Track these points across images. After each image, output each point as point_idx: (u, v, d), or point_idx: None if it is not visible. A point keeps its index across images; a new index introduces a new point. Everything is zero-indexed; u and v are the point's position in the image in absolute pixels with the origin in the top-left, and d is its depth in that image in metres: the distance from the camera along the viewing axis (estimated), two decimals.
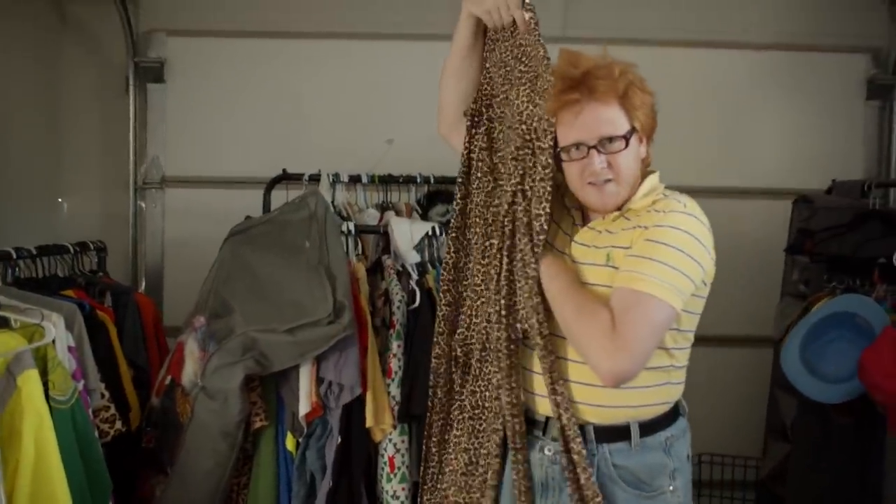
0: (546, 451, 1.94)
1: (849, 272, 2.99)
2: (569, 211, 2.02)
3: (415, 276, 2.65)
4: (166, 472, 2.62)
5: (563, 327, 1.84)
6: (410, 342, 2.57)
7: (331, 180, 3.10)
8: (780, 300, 3.45)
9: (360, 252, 2.89)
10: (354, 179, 3.15)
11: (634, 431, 1.88)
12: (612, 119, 1.85)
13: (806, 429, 3.17)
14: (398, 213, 3.10)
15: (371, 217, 3.10)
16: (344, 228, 2.71)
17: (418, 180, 3.22)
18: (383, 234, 2.78)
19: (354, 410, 2.50)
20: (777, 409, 3.42)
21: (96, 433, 2.45)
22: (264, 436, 2.57)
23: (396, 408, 2.54)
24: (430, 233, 2.73)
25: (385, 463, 2.55)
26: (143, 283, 3.75)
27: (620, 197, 1.89)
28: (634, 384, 1.83)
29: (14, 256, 2.60)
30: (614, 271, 1.83)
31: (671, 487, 1.90)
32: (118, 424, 2.56)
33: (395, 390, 2.54)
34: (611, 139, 1.85)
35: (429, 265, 2.74)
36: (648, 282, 1.74)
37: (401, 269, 2.70)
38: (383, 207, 3.20)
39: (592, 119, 1.85)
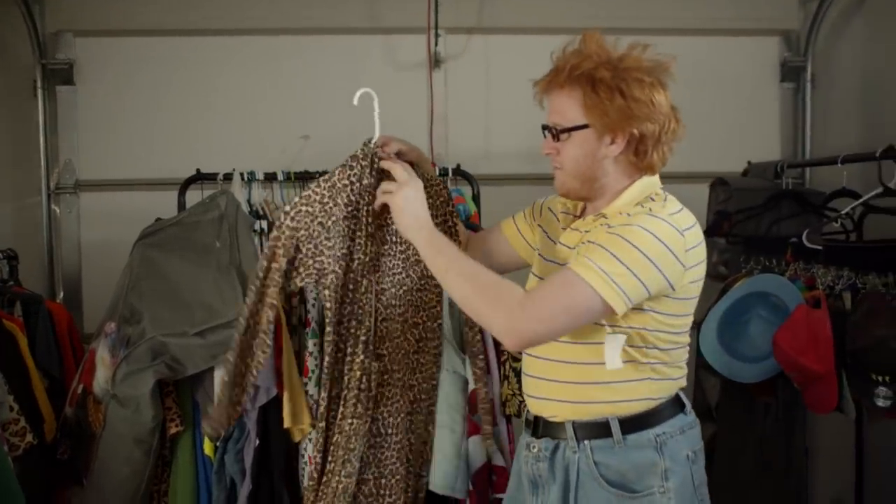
0: (532, 449, 1.94)
1: (764, 252, 3.04)
2: (557, 217, 2.04)
3: None
4: (83, 483, 2.57)
5: (460, 296, 1.83)
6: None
7: (245, 178, 3.05)
8: None
9: None
10: (270, 177, 3.10)
11: (615, 428, 1.84)
12: (563, 110, 1.84)
13: (730, 409, 3.22)
14: None
15: None
16: (256, 227, 2.67)
17: None
18: None
19: (271, 412, 2.47)
20: (702, 391, 3.46)
21: (5, 447, 2.38)
22: (181, 441, 2.52)
23: (315, 407, 2.51)
24: None
25: (305, 463, 2.51)
26: (61, 291, 3.65)
27: (567, 187, 1.90)
28: (607, 379, 1.83)
29: None
30: None
31: (662, 489, 1.83)
32: (29, 437, 2.49)
33: (312, 389, 2.50)
34: (553, 128, 1.86)
35: None
36: (592, 270, 1.70)
37: None
38: None
39: (551, 105, 1.88)
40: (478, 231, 2.51)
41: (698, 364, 3.39)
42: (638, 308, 1.77)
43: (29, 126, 3.58)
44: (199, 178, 3.15)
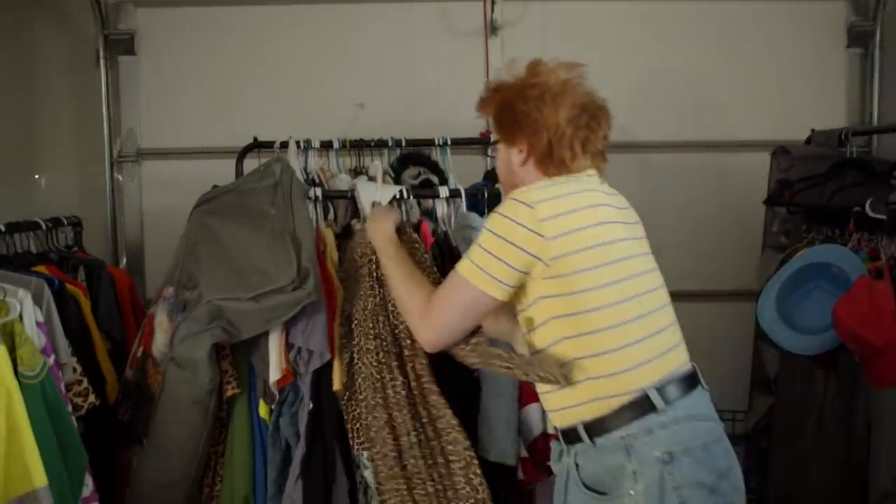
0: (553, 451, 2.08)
1: (826, 222, 2.96)
2: None
3: None
4: (143, 443, 2.63)
5: (395, 297, 2.19)
6: None
7: (301, 146, 3.08)
8: (761, 253, 3.43)
9: (331, 217, 2.88)
10: (326, 145, 3.13)
11: (582, 432, 1.88)
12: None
13: (789, 381, 3.18)
14: (371, 178, 3.07)
15: (344, 182, 3.07)
16: (311, 194, 2.69)
17: (390, 144, 3.20)
18: (351, 199, 2.75)
19: (325, 376, 2.49)
20: (761, 363, 3.42)
21: (69, 407, 2.45)
22: (237, 404, 2.56)
23: None
24: (397, 196, 2.69)
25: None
26: (124, 257, 3.74)
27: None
28: (549, 387, 1.91)
29: None
30: None
31: (631, 491, 1.81)
32: (91, 398, 2.55)
33: None
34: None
35: None
36: (466, 264, 1.91)
37: None
38: (357, 172, 3.18)
39: None
40: None
41: (756, 335, 3.35)
42: (531, 297, 1.90)
43: (92, 96, 3.67)
44: (257, 146, 3.20)
